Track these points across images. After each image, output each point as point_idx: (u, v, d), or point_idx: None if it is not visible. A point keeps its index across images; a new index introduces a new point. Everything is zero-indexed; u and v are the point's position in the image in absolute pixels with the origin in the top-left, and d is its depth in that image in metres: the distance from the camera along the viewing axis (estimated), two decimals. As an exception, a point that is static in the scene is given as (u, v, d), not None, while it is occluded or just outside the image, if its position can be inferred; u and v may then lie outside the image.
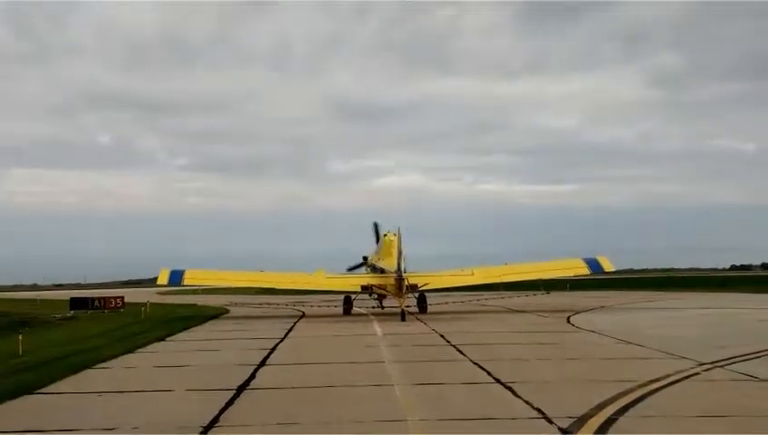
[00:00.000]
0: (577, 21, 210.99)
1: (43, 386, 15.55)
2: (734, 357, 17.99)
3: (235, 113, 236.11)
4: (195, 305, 55.72)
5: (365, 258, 46.00)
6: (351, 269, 47.01)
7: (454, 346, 22.22)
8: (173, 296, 75.54)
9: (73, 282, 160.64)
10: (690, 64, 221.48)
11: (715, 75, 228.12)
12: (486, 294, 56.51)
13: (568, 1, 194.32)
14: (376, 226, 47.53)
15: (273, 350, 22.38)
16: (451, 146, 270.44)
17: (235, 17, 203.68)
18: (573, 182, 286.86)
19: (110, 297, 54.83)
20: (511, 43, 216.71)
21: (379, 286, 40.27)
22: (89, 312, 49.02)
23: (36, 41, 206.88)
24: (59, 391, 15.23)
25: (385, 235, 42.70)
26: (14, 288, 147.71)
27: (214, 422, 11.53)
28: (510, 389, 13.99)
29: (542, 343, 22.87)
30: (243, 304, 55.57)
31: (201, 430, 11.02)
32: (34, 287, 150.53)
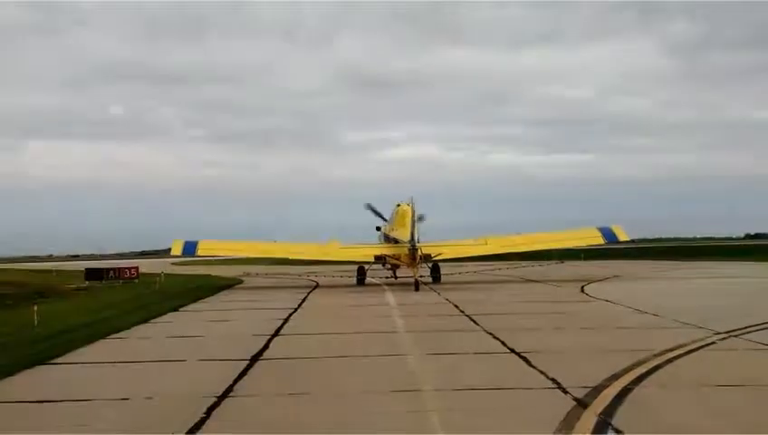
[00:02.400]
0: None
1: (57, 356, 15.61)
2: (750, 326, 17.84)
3: (247, 85, 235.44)
4: (208, 276, 55.94)
5: (378, 228, 45.93)
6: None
7: (468, 316, 22.17)
8: (187, 267, 75.92)
9: (89, 253, 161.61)
10: (706, 33, 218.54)
11: (730, 44, 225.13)
12: (500, 264, 56.47)
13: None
14: (370, 207, 47.16)
15: (286, 320, 22.41)
16: (464, 116, 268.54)
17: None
18: (588, 152, 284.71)
19: (125, 268, 54.89)
20: (524, 13, 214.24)
21: (393, 256, 40.23)
22: (103, 282, 49.22)
23: (48, 12, 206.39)
24: (73, 361, 15.29)
25: (398, 205, 42.56)
26: (30, 259, 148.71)
27: (227, 392, 11.54)
28: (524, 359, 13.92)
29: (557, 313, 22.78)
30: (256, 275, 55.80)
31: (215, 399, 11.02)
32: (50, 258, 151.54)
